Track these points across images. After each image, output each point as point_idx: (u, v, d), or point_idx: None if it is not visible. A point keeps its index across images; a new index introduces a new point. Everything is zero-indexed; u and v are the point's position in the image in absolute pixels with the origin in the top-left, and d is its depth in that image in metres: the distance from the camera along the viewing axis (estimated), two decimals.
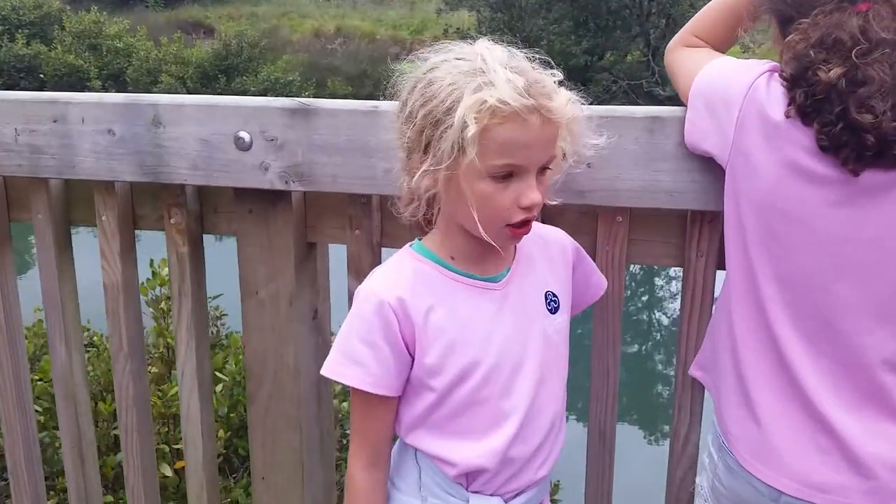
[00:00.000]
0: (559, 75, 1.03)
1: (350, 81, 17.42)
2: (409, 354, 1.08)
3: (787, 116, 1.00)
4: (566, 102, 1.00)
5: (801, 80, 0.99)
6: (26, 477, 1.70)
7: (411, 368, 1.09)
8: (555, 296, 1.15)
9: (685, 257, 1.29)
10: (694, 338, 1.32)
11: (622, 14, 17.08)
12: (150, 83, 16.80)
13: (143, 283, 2.91)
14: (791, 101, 1.00)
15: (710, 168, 1.16)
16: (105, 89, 16.83)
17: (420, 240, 1.14)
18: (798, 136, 1.00)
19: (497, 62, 0.98)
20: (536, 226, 1.19)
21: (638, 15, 17.08)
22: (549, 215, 1.31)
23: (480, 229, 1.02)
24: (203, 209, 1.51)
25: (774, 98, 1.02)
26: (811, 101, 0.98)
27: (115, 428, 2.42)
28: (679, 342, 1.34)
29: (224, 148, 1.37)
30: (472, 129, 0.95)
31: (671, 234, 1.31)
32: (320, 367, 1.11)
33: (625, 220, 1.29)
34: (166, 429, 2.65)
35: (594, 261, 1.29)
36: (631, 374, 6.84)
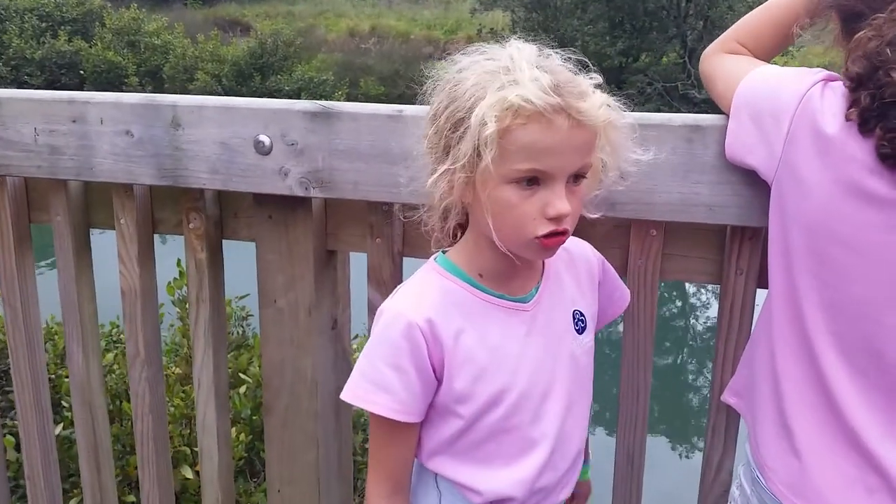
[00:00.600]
0: (598, 78, 0.95)
1: (383, 81, 17.45)
2: (437, 378, 1.01)
3: (848, 119, 0.91)
4: (600, 105, 0.92)
5: (868, 80, 0.91)
6: (43, 483, 1.68)
7: (437, 392, 1.03)
8: (582, 315, 1.09)
9: (723, 274, 1.22)
10: (731, 359, 1.25)
11: (659, 15, 16.84)
12: (186, 80, 17.02)
13: (170, 283, 2.91)
14: (853, 104, 0.92)
15: (754, 181, 1.09)
16: (142, 86, 17.11)
17: (444, 253, 1.07)
18: (856, 151, 0.92)
19: (524, 60, 0.92)
20: None
21: (675, 16, 16.83)
22: (577, 227, 1.25)
23: (496, 239, 0.95)
24: (223, 214, 1.47)
25: (829, 110, 0.94)
26: (878, 104, 0.89)
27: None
28: (715, 363, 1.27)
29: (243, 152, 1.33)
30: (489, 128, 0.88)
31: (708, 249, 1.24)
32: (339, 379, 1.05)
33: (659, 234, 1.22)
34: (188, 430, 2.63)
35: (625, 276, 1.23)
36: (656, 377, 6.70)
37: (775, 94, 1.01)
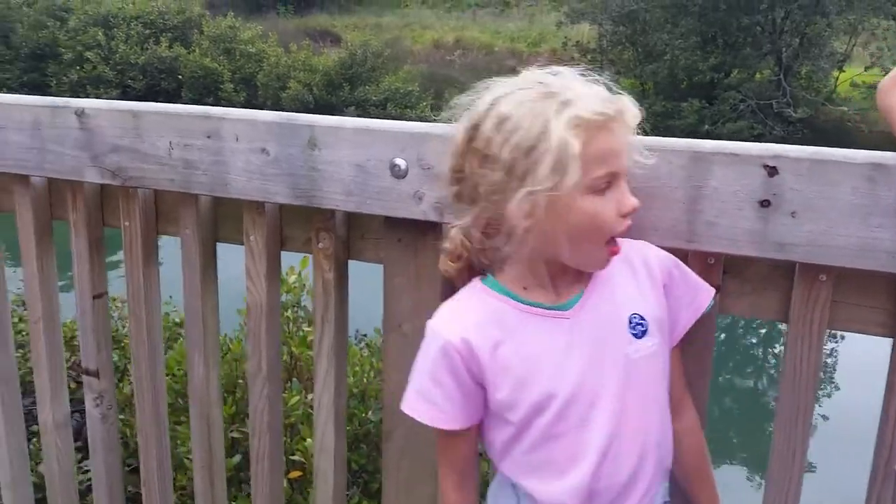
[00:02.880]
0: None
1: None
2: (482, 387, 1.07)
3: None
4: (631, 104, 1.00)
5: None
6: (158, 493, 1.70)
7: (487, 399, 1.08)
8: (642, 319, 1.06)
9: None
10: None
11: (753, 31, 16.29)
12: (278, 88, 17.50)
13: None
14: None
15: None
16: (236, 92, 17.68)
17: (492, 275, 1.11)
18: None
19: (569, 78, 0.99)
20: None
21: (770, 32, 16.25)
22: (733, 266, 1.17)
23: (568, 256, 1.01)
24: (350, 234, 1.45)
25: None
26: None
27: (230, 431, 2.43)
28: (883, 423, 1.16)
29: (379, 174, 1.30)
30: (575, 147, 0.94)
31: (879, 297, 1.13)
32: None
33: (829, 280, 1.12)
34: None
35: (785, 323, 1.13)
36: (736, 403, 6.42)
37: None
